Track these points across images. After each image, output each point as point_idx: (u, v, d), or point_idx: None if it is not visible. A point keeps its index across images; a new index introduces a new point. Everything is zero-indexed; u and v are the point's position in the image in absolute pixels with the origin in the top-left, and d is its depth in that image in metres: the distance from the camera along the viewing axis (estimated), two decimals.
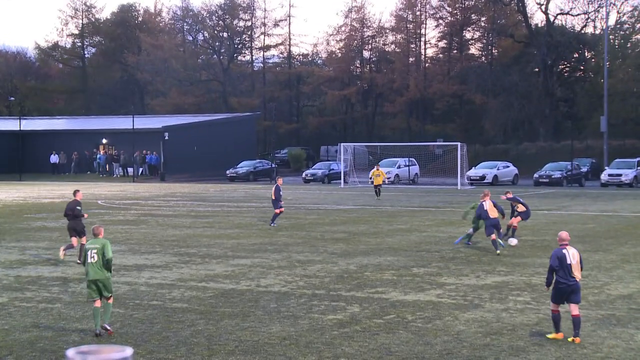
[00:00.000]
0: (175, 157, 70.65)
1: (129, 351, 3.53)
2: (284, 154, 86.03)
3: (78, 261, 19.94)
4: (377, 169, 45.85)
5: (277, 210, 29.55)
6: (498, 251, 21.80)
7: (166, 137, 70.69)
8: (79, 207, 20.48)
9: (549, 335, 12.41)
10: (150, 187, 57.36)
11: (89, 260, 12.85)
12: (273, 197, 29.78)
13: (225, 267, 19.60)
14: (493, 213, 22.47)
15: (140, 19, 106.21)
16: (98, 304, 12.76)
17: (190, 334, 12.78)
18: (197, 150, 72.75)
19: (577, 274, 12.32)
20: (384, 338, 12.35)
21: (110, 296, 12.97)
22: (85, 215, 21.12)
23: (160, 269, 19.37)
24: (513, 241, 22.77)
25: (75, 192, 20.89)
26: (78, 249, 20.35)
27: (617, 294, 16.06)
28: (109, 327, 12.84)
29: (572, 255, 12.34)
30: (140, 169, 70.64)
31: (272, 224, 29.35)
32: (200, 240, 25.37)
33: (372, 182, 45.52)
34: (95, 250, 12.83)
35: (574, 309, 12.30)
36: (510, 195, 24.81)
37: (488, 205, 22.64)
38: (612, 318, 13.81)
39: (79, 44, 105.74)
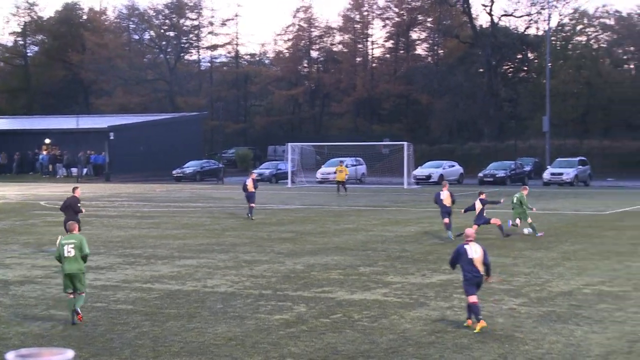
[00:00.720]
0: (121, 157, 69.85)
1: (70, 354, 3.49)
2: (231, 154, 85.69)
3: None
4: (341, 166, 48.74)
5: (252, 204, 32.56)
6: (450, 235, 25.16)
7: (111, 137, 69.84)
8: (79, 204, 22.04)
9: (476, 329, 12.71)
10: (94, 187, 56.62)
11: (66, 255, 13.53)
12: (252, 190, 32.67)
13: (171, 268, 19.46)
14: (447, 202, 25.98)
15: (84, 17, 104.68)
16: (72, 296, 13.53)
17: (135, 335, 12.66)
18: (143, 150, 72.05)
19: (479, 267, 13.06)
20: (331, 337, 12.39)
21: (83, 291, 13.70)
22: (83, 210, 22.50)
23: (104, 271, 19.14)
24: (525, 230, 26.70)
25: (74, 189, 22.44)
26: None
27: (558, 290, 16.36)
28: (79, 312, 13.49)
29: (474, 250, 13.10)
30: (85, 169, 69.65)
31: (250, 216, 32.11)
32: (146, 241, 25.13)
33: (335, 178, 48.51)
34: (72, 246, 13.60)
35: (470, 298, 12.99)
36: (483, 197, 26.09)
37: (445, 195, 26.11)
38: (552, 314, 14.06)
39: (21, 42, 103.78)
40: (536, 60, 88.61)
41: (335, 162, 64.31)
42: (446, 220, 25.75)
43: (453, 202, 26.17)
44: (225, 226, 29.59)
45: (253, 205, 32.73)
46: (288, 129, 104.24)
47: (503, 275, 18.08)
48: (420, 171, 60.15)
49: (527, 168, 63.82)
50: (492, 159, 68.07)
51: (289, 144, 63.27)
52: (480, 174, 60.19)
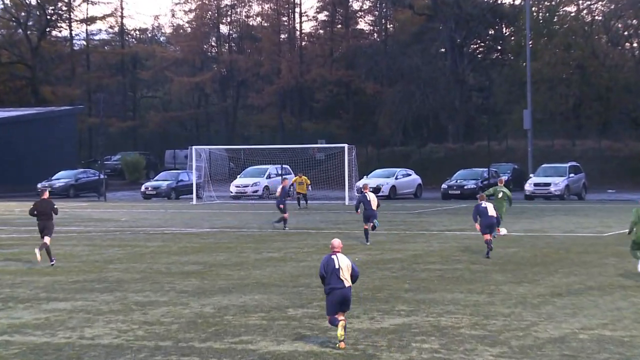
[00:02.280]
0: None
1: None
2: (116, 161, 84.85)
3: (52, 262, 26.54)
4: (301, 176, 53.24)
5: (286, 215, 38.14)
6: (368, 243, 31.51)
7: None
8: (55, 207, 27.21)
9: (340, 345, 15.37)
10: None
11: None
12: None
13: (36, 314, 19.11)
14: (374, 204, 31.91)
15: None
16: None
17: None
18: None
19: (347, 275, 15.53)
20: None
21: None
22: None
23: None
24: (503, 231, 30.70)
25: (42, 192, 27.69)
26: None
27: (547, 336, 16.53)
28: None
29: (340, 260, 15.55)
30: None
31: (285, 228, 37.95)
32: (2, 278, 24.67)
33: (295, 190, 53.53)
34: None
35: (340, 316, 15.61)
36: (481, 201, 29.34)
37: (370, 196, 32.12)
38: None
39: None
40: (513, 38, 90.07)
41: (255, 171, 64.27)
42: (366, 226, 32.06)
43: (379, 205, 32.34)
44: (109, 257, 29.23)
45: (285, 215, 38.16)
46: (192, 127, 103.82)
47: (476, 318, 18.22)
48: (366, 182, 60.49)
49: (504, 177, 64.59)
50: (458, 165, 68.87)
51: (194, 147, 62.99)
52: (445, 185, 60.86)
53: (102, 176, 66.54)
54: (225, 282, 23.30)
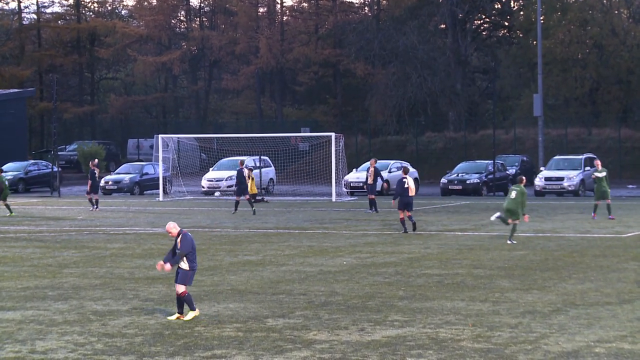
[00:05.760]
0: None
1: None
2: (71, 152, 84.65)
3: None
4: (250, 171, 51.41)
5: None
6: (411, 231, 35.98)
7: None
8: None
9: (188, 317, 19.08)
10: None
11: None
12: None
13: None
14: (412, 191, 36.09)
15: None
16: None
17: None
18: None
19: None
20: None
21: None
22: None
23: None
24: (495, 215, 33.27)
25: None
26: None
27: (559, 350, 16.63)
28: None
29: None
30: None
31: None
32: None
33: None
34: None
35: (180, 289, 19.28)
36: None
37: (409, 182, 36.89)
38: None
39: None
40: (522, 13, 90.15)
41: (230, 163, 64.21)
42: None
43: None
44: (63, 260, 29.21)
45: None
46: (158, 113, 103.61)
47: (479, 329, 18.30)
48: (356, 176, 60.53)
49: (512, 170, 64.81)
50: (460, 157, 69.03)
51: (160, 136, 62.91)
52: (444, 179, 60.91)
53: (55, 169, 66.41)
54: (197, 289, 23.34)
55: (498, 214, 33.37)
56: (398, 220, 37.25)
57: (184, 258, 19.26)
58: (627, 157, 71.51)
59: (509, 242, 32.28)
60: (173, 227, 19.33)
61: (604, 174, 40.85)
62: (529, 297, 21.96)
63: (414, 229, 36.30)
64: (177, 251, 19.29)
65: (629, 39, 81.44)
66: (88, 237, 36.16)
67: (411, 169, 64.23)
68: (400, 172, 62.93)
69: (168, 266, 19.44)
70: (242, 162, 48.77)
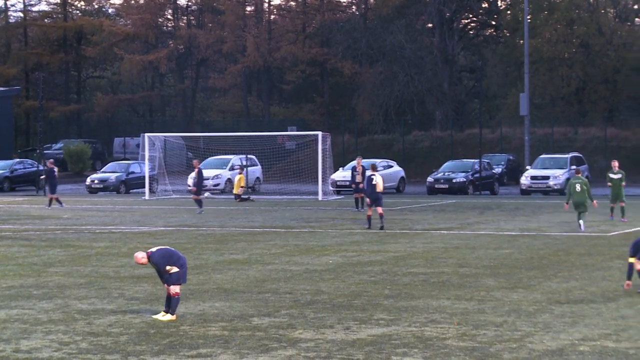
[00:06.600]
0: None
1: None
2: (57, 151, 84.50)
3: None
4: (240, 173, 54.80)
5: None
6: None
7: None
8: None
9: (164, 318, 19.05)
10: None
11: None
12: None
13: None
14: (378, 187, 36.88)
15: None
16: None
17: None
18: None
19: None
20: None
21: None
22: None
23: None
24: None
25: None
26: None
27: (543, 348, 16.65)
28: None
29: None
30: None
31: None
32: None
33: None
34: None
35: (175, 289, 19.43)
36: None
37: (377, 179, 37.01)
38: None
39: None
40: (509, 12, 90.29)
41: (217, 161, 64.15)
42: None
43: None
44: (49, 259, 29.14)
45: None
46: (145, 112, 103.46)
47: (464, 328, 18.33)
48: (342, 175, 60.52)
49: (498, 169, 64.95)
50: (446, 155, 69.07)
51: (146, 135, 62.82)
52: (431, 178, 60.97)
53: (41, 167, 66.25)
54: (182, 288, 23.26)
55: (581, 222, 35.70)
56: (385, 219, 37.36)
57: (171, 267, 19.26)
58: (614, 156, 71.40)
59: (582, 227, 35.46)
60: (141, 258, 19.10)
61: (619, 176, 40.78)
62: (514, 295, 21.99)
63: (381, 228, 36.85)
64: (160, 273, 19.29)
65: (615, 39, 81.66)
66: (73, 235, 36.09)
67: (397, 168, 64.62)
68: (387, 170, 63.29)
69: (174, 289, 19.35)
70: (198, 162, 49.78)
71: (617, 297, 21.76)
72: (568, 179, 58.63)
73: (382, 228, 36.72)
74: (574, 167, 42.73)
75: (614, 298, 21.61)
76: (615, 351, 16.39)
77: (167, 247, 19.97)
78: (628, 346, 16.77)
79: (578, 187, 35.84)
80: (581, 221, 35.78)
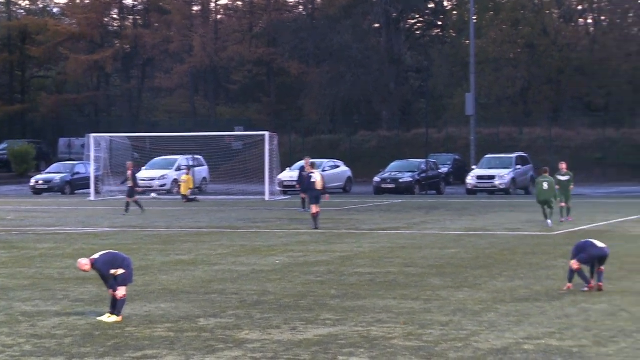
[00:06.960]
0: None
1: None
2: (1, 151, 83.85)
3: None
4: (187, 173, 55.24)
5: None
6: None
7: None
8: None
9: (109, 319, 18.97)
10: None
11: None
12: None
13: None
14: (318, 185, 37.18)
15: None
16: None
17: None
18: None
19: None
20: None
21: None
22: None
23: None
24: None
25: None
26: None
27: (488, 347, 16.74)
28: None
29: None
30: None
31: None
32: None
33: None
34: None
35: (122, 292, 19.21)
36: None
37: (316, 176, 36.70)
38: None
39: None
40: (455, 12, 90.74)
41: (163, 162, 63.94)
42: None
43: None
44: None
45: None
46: (90, 112, 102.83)
47: (410, 327, 18.39)
48: (290, 175, 60.57)
49: (444, 169, 65.26)
50: (393, 155, 69.24)
51: (92, 135, 62.46)
52: (377, 178, 61.17)
53: None
54: (128, 289, 23.19)
55: (548, 221, 37.03)
56: (330, 219, 37.42)
57: (116, 270, 19.15)
58: (558, 156, 72.08)
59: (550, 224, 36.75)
60: (84, 265, 18.93)
61: (567, 177, 41.13)
62: (460, 294, 22.10)
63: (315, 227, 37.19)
64: (105, 278, 19.18)
65: (559, 39, 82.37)
66: (17, 237, 35.78)
67: (344, 168, 64.77)
68: (333, 170, 63.41)
69: (119, 292, 19.17)
70: (132, 165, 50.21)
71: (562, 296, 21.93)
72: (514, 179, 59.38)
73: (316, 228, 36.94)
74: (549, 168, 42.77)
75: (558, 297, 21.78)
76: (559, 349, 16.51)
77: (111, 250, 19.88)
78: (572, 344, 16.90)
79: (545, 186, 37.40)
80: (549, 220, 37.11)
